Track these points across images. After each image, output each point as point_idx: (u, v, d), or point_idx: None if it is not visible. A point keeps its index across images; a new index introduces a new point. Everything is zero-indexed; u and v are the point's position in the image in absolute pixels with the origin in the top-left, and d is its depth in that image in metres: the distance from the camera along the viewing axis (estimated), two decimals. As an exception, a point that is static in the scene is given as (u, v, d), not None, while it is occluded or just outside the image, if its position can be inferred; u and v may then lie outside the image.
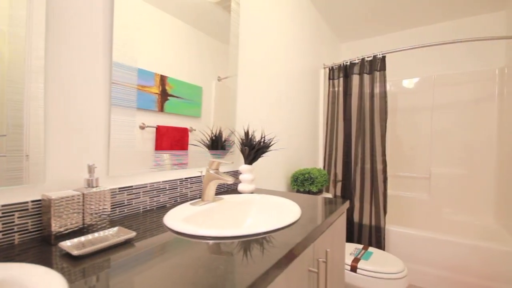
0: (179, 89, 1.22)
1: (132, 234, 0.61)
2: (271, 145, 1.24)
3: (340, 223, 0.98)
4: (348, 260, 1.52)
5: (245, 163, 1.19)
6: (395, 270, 1.41)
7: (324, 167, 2.38)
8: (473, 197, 2.34)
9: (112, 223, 0.72)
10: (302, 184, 1.68)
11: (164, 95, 1.19)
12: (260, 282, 0.45)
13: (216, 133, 1.24)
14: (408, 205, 2.63)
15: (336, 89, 2.36)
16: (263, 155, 1.26)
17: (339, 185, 2.30)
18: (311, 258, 0.69)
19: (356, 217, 2.15)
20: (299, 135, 2.09)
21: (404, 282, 1.40)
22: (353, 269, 1.46)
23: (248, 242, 0.59)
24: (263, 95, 1.56)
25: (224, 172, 1.23)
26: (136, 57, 0.86)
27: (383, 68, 2.05)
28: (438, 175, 2.49)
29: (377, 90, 2.07)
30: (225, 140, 1.24)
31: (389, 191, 2.76)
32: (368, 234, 2.08)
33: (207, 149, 1.21)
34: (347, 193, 2.23)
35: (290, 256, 0.56)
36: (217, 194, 1.14)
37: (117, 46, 0.79)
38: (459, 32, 2.47)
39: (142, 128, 1.11)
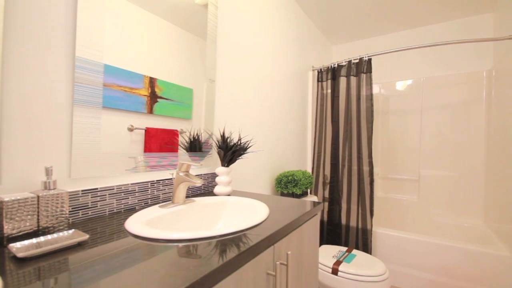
0: (169, 91, 1.23)
1: (85, 237, 0.60)
2: (249, 148, 1.23)
3: (312, 225, 0.97)
4: (330, 262, 1.51)
5: (222, 165, 1.19)
6: (375, 273, 1.40)
7: (312, 169, 2.38)
8: (462, 199, 2.33)
9: (74, 226, 0.72)
10: (285, 186, 1.68)
11: (154, 97, 1.20)
12: (198, 285, 0.44)
13: (195, 136, 1.24)
14: (399, 207, 2.62)
15: (325, 91, 2.37)
16: (242, 157, 1.26)
17: (328, 187, 2.29)
18: (271, 261, 0.68)
19: (343, 219, 2.15)
20: (287, 137, 2.09)
21: (384, 285, 1.40)
22: (334, 271, 1.45)
23: (203, 245, 0.59)
24: (246, 98, 1.56)
25: (203, 174, 1.23)
26: (102, 54, 0.85)
27: (369, 70, 2.06)
28: (427, 177, 2.49)
29: (363, 92, 2.07)
30: (204, 143, 1.24)
31: (380, 193, 2.76)
32: (355, 236, 2.08)
33: (185, 152, 1.21)
34: (335, 195, 2.23)
35: (240, 259, 0.55)
36: (193, 196, 1.14)
37: (81, 42, 0.78)
38: (448, 34, 2.48)
39: (130, 130, 1.11)
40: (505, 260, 1.61)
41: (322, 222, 2.28)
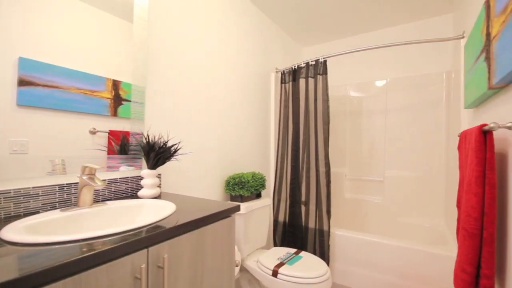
0: (130, 93, 1.25)
1: None
2: (178, 150, 1.23)
3: (220, 228, 0.97)
4: (272, 265, 1.51)
5: (148, 167, 1.19)
6: (315, 274, 1.40)
7: (276, 171, 2.38)
8: (424, 200, 2.33)
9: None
10: (233, 188, 1.68)
11: (118, 100, 1.21)
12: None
13: (123, 138, 1.24)
14: (366, 208, 2.62)
15: (288, 93, 2.37)
16: (175, 159, 1.26)
17: (289, 188, 2.29)
18: (145, 264, 0.68)
19: (302, 221, 2.15)
20: (245, 140, 2.09)
21: (322, 286, 1.39)
22: (274, 274, 1.45)
23: (66, 248, 0.59)
24: (189, 99, 1.56)
25: (130, 177, 1.23)
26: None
27: (325, 72, 2.06)
28: (392, 178, 2.49)
29: (319, 93, 2.08)
30: (131, 145, 1.24)
31: (348, 195, 2.76)
32: (313, 238, 2.07)
33: (116, 154, 1.21)
34: (296, 197, 2.22)
35: (84, 263, 0.55)
36: (118, 199, 1.14)
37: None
38: (410, 36, 2.49)
39: (92, 133, 1.13)
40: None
41: (284, 223, 2.28)
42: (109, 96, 1.19)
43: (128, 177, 1.21)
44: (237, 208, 1.04)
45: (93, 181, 0.89)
